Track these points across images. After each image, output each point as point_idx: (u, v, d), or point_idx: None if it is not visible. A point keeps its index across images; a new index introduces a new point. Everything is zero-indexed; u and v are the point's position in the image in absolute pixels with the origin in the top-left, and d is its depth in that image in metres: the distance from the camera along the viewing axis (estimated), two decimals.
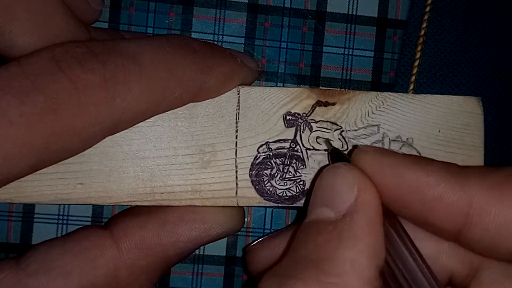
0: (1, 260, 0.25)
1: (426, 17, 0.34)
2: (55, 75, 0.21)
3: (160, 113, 0.26)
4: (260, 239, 0.29)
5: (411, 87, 0.34)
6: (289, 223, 0.34)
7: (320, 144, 0.27)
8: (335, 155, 0.26)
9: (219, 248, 0.33)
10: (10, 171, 0.21)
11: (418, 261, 0.22)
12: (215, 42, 0.33)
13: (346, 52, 0.34)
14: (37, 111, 0.21)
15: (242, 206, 0.28)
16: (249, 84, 0.28)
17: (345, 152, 0.27)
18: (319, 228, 0.22)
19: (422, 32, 0.34)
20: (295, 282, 0.21)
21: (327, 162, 0.27)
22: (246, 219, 0.33)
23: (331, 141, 0.27)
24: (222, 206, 0.27)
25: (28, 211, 0.32)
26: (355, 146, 0.27)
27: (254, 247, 0.29)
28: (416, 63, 0.34)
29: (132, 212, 0.27)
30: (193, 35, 0.33)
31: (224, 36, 0.33)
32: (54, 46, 0.22)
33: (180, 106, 0.26)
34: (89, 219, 0.32)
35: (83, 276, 0.24)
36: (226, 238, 0.33)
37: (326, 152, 0.27)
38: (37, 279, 0.24)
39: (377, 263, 0.21)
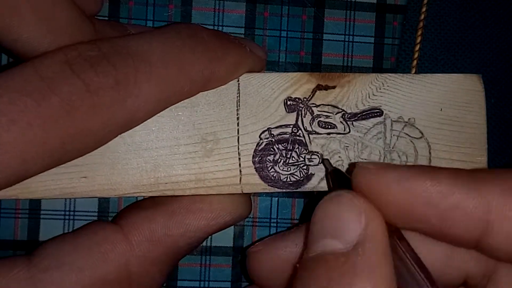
0: (13, 257, 0.25)
1: (425, 1, 0.34)
2: (69, 78, 0.22)
3: (170, 106, 0.26)
4: (263, 241, 0.28)
5: (413, 71, 0.34)
6: (296, 212, 0.34)
7: (322, 128, 0.27)
8: (335, 175, 0.26)
9: (226, 239, 0.33)
10: (26, 171, 0.22)
11: (421, 275, 0.21)
12: None
13: (346, 39, 0.34)
14: (53, 113, 0.21)
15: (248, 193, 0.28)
16: (258, 72, 0.28)
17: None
18: (328, 261, 0.21)
19: (422, 17, 0.34)
20: None
21: (329, 146, 0.27)
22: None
23: (334, 123, 0.27)
24: (228, 194, 0.27)
25: (34, 207, 0.32)
26: (352, 165, 0.26)
27: (257, 249, 0.28)
28: (417, 48, 0.34)
29: (139, 206, 0.27)
30: None
31: (224, 27, 0.33)
32: (66, 48, 0.23)
33: (189, 97, 0.26)
34: (95, 214, 0.32)
35: (95, 270, 0.24)
36: (233, 228, 0.33)
37: (328, 136, 0.27)
38: (50, 275, 0.24)
39: None
